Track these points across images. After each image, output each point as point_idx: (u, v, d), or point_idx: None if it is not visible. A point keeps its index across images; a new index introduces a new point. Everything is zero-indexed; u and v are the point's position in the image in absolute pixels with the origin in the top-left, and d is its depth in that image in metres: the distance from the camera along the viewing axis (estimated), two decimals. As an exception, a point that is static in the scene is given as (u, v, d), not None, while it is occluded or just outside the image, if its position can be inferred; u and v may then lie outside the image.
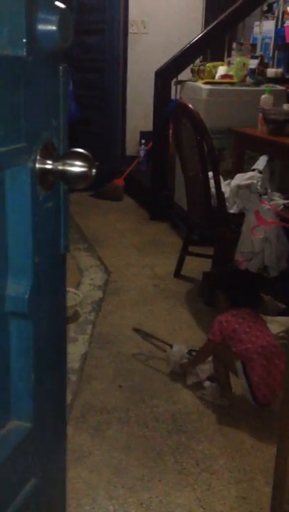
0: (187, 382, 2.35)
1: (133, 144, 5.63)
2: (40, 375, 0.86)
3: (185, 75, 4.40)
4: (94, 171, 0.77)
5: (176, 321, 2.89)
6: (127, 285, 3.29)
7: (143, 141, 5.52)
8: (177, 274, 3.39)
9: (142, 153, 5.53)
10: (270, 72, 4.41)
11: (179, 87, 4.46)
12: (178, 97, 4.48)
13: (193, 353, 2.43)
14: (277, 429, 1.34)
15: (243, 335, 2.17)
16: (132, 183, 5.17)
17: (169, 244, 3.95)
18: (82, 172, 0.78)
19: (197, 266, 3.41)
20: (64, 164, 0.79)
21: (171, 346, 2.51)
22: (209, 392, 2.27)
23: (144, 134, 5.50)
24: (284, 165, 3.62)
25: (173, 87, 4.49)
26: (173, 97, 4.53)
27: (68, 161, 0.79)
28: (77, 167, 0.78)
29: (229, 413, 2.19)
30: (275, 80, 4.29)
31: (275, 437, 2.01)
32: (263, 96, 3.46)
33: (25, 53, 0.72)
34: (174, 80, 4.43)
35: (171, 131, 4.41)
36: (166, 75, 4.34)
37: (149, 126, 4.84)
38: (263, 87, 3.86)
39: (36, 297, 0.80)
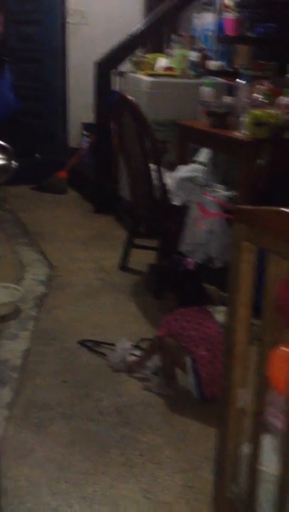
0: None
1: (76, 136, 5.56)
2: None
3: (126, 66, 4.38)
4: (14, 163, 0.74)
5: (122, 315, 2.88)
6: (71, 279, 3.26)
7: (86, 132, 5.46)
8: (123, 267, 3.38)
9: (85, 145, 5.47)
10: (212, 64, 4.44)
11: (120, 78, 4.44)
12: (119, 89, 4.46)
13: (138, 351, 2.43)
14: (218, 416, 1.35)
15: (192, 332, 2.20)
16: (75, 175, 5.11)
17: (115, 238, 3.93)
18: (1, 165, 0.75)
19: (143, 258, 3.40)
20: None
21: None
22: (154, 384, 2.27)
23: (86, 126, 5.44)
24: (226, 157, 3.65)
25: (114, 78, 4.46)
26: (114, 88, 4.51)
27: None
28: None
29: (174, 403, 2.20)
30: (216, 73, 4.32)
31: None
32: (204, 89, 3.48)
33: None
34: (115, 70, 4.40)
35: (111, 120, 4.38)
36: (106, 65, 4.30)
37: (91, 118, 4.79)
38: (203, 80, 3.89)
39: None
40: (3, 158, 0.73)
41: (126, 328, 2.73)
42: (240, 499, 1.32)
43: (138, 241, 3.40)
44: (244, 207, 1.18)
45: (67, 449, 1.93)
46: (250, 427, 1.26)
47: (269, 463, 1.28)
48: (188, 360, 2.19)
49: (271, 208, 1.13)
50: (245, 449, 1.35)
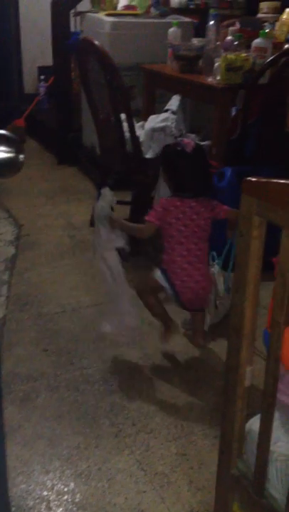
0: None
1: (31, 81, 5.27)
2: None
3: (85, 5, 4.09)
4: (21, 156, 0.62)
5: (98, 274, 2.77)
6: (41, 238, 3.12)
7: (42, 77, 5.16)
8: (93, 223, 3.24)
9: (41, 90, 5.19)
10: (175, 1, 4.22)
11: (78, 18, 4.16)
12: (78, 30, 4.19)
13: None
14: (223, 395, 1.30)
15: (181, 227, 2.06)
16: (34, 123, 4.85)
17: (82, 191, 3.78)
18: (9, 158, 0.62)
19: (114, 213, 3.27)
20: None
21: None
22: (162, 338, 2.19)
23: (42, 70, 5.15)
24: (196, 104, 3.51)
25: (72, 19, 4.18)
26: (72, 29, 4.23)
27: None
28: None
29: (160, 367, 2.16)
30: (180, 11, 4.11)
31: (207, 388, 2.03)
32: (170, 29, 3.28)
33: None
34: (73, 10, 4.11)
35: (73, 66, 4.14)
36: (63, 5, 4.00)
37: (47, 61, 4.51)
38: (168, 19, 3.67)
39: None
40: (11, 151, 0.61)
41: (102, 288, 2.64)
42: (247, 477, 1.29)
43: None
44: (254, 179, 1.09)
45: (56, 423, 1.87)
46: (259, 405, 1.22)
47: (278, 441, 1.25)
48: (157, 273, 2.10)
49: (284, 182, 1.03)
50: (252, 424, 1.31)
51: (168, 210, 2.06)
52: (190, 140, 2.14)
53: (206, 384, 2.05)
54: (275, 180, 1.06)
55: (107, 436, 1.83)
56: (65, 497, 1.61)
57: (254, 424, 1.29)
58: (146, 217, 2.10)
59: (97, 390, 2.03)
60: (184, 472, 1.71)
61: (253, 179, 1.09)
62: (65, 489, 1.64)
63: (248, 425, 1.33)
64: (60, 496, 1.61)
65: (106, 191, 2.22)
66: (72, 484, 1.65)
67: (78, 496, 1.62)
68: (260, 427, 1.21)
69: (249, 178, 1.09)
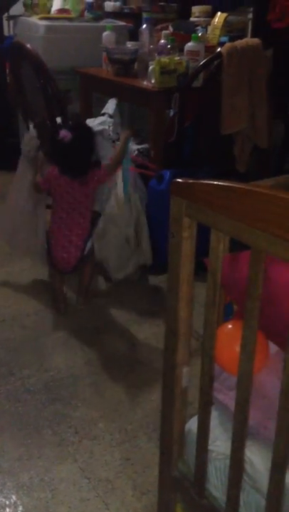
0: None
1: None
2: None
3: (18, 9, 4.03)
4: None
5: (38, 282, 2.74)
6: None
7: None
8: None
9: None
10: (108, 5, 4.21)
11: (12, 22, 4.09)
12: (12, 33, 4.12)
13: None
14: (162, 396, 1.30)
15: (65, 195, 2.36)
16: None
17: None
18: None
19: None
20: None
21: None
22: None
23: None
24: (135, 107, 3.51)
25: (5, 23, 4.11)
26: (6, 33, 4.16)
27: None
28: None
29: (103, 372, 2.14)
30: (114, 14, 4.11)
31: (152, 390, 2.03)
32: (105, 33, 3.28)
33: None
34: (6, 14, 4.05)
35: (8, 71, 4.06)
36: (-4, 9, 3.94)
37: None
38: (102, 23, 3.67)
39: None
40: None
41: (45, 297, 2.60)
42: (188, 478, 1.29)
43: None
44: (182, 181, 1.09)
45: (-3, 435, 1.83)
46: (197, 405, 1.22)
47: (216, 440, 1.26)
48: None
49: (212, 182, 1.04)
50: (191, 425, 1.31)
51: (50, 180, 2.38)
52: (67, 133, 2.32)
53: (150, 386, 2.05)
54: (201, 181, 1.07)
55: (49, 446, 1.79)
56: (7, 510, 1.57)
57: (193, 424, 1.29)
58: (38, 179, 2.44)
59: (39, 400, 1.99)
60: (128, 477, 1.69)
61: (181, 180, 1.09)
62: (7, 502, 1.59)
63: (187, 426, 1.33)
64: (1, 510, 1.57)
65: (28, 135, 2.56)
66: (13, 497, 1.61)
67: (20, 508, 1.58)
68: (197, 426, 1.21)
69: (177, 180, 1.10)
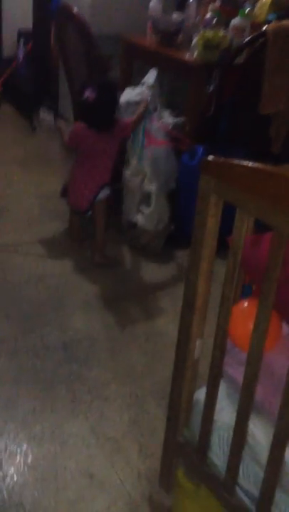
0: None
1: (10, 44, 5.13)
2: None
3: None
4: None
5: (64, 245, 2.80)
6: (10, 205, 3.11)
7: (22, 40, 5.05)
8: (65, 193, 3.24)
9: (20, 55, 5.08)
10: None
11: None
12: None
13: None
14: (174, 366, 1.35)
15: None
16: (10, 88, 4.77)
17: (55, 159, 3.75)
18: None
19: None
20: None
21: None
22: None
23: (23, 34, 5.02)
24: (173, 79, 3.49)
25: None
26: (54, -6, 4.14)
27: None
28: None
29: (119, 338, 2.20)
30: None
31: (164, 360, 2.08)
32: (152, 2, 3.24)
33: None
34: (56, -26, 4.03)
35: (53, 32, 4.06)
36: None
37: (29, 24, 4.41)
38: (152, -10, 3.62)
39: None
40: None
41: (70, 260, 2.67)
42: (192, 445, 1.35)
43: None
44: (212, 159, 1.11)
45: (13, 387, 1.91)
46: (207, 376, 1.27)
47: (222, 410, 1.30)
48: None
49: (240, 163, 1.06)
50: (200, 395, 1.36)
51: (76, 135, 2.55)
52: (91, 93, 2.47)
53: (163, 357, 2.11)
54: (231, 161, 1.09)
55: (62, 402, 1.87)
56: (17, 457, 1.66)
57: (201, 394, 1.34)
58: (65, 139, 2.62)
59: (56, 358, 2.06)
60: (134, 439, 1.76)
61: (211, 159, 1.12)
62: (18, 450, 1.68)
63: (195, 395, 1.39)
64: (13, 457, 1.66)
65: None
66: (25, 446, 1.70)
67: (30, 457, 1.67)
68: (205, 396, 1.26)
69: (207, 158, 1.12)
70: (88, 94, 2.46)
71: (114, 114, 2.60)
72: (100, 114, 2.52)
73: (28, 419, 1.79)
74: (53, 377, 1.97)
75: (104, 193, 2.62)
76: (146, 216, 2.82)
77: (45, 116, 2.71)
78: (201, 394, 1.35)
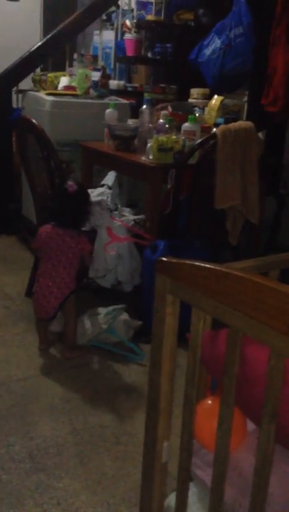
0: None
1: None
2: None
3: (27, 84, 4.26)
4: None
5: (30, 347, 2.76)
6: (-27, 309, 3.08)
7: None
8: (29, 293, 3.25)
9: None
10: (113, 84, 4.44)
11: (20, 96, 4.31)
12: (20, 106, 4.33)
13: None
14: (142, 472, 1.31)
15: (56, 248, 2.59)
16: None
17: (19, 261, 3.79)
18: None
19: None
20: None
21: None
22: None
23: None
24: (131, 180, 3.65)
25: (14, 96, 4.33)
26: (15, 105, 4.37)
27: None
28: None
29: (89, 443, 2.12)
30: (117, 92, 4.33)
31: (136, 462, 2.01)
32: (108, 111, 3.45)
33: None
34: (15, 88, 4.28)
35: (14, 140, 4.24)
36: (5, 82, 4.16)
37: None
38: (106, 100, 3.87)
39: None
40: None
41: (34, 362, 2.62)
42: None
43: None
44: (166, 259, 1.15)
45: (-23, 504, 1.80)
46: (175, 478, 1.23)
47: (195, 516, 1.26)
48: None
49: (192, 263, 1.10)
50: (171, 501, 1.32)
51: (40, 236, 2.62)
52: (74, 184, 2.61)
53: (134, 459, 2.04)
54: (184, 261, 1.13)
55: (30, 518, 1.77)
56: None
57: (172, 500, 1.30)
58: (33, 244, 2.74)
59: (22, 469, 1.97)
60: None
61: (165, 259, 1.16)
62: None
63: (166, 501, 1.34)
64: None
65: None
66: None
67: None
68: (175, 502, 1.22)
69: (162, 258, 1.16)
70: (71, 184, 2.58)
71: (84, 216, 2.73)
72: (75, 207, 2.63)
73: None
74: (19, 490, 1.87)
75: (70, 298, 2.63)
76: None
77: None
78: (172, 500, 1.31)
